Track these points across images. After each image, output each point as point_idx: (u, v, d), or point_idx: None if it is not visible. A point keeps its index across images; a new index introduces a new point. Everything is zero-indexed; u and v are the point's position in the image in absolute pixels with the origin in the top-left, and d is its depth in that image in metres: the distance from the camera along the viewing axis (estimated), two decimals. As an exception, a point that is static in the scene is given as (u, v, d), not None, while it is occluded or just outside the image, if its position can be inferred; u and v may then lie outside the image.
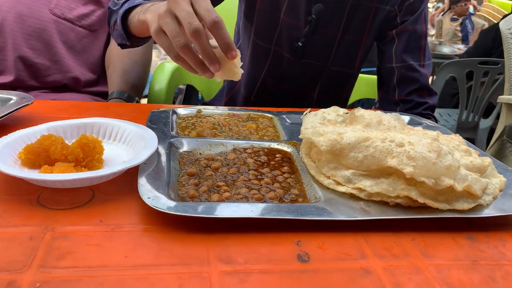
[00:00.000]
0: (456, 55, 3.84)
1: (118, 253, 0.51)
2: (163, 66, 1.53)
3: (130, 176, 0.66)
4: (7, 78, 1.34)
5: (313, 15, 1.17)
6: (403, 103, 1.21)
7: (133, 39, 0.96)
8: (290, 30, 1.20)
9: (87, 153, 0.68)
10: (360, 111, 0.71)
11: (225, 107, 0.99)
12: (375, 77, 1.59)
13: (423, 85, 1.20)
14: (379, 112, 0.72)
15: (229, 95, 1.43)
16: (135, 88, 1.32)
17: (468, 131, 3.12)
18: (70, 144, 0.71)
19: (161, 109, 0.92)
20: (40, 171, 0.65)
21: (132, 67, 1.34)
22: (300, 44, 1.21)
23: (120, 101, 1.25)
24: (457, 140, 0.76)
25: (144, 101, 1.72)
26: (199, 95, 1.81)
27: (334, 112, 0.82)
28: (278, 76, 1.28)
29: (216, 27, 0.67)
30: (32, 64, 1.34)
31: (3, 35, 1.32)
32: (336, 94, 1.34)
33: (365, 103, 2.05)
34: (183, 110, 0.94)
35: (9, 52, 1.33)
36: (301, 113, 0.99)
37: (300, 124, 0.91)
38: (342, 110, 0.83)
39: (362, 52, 1.25)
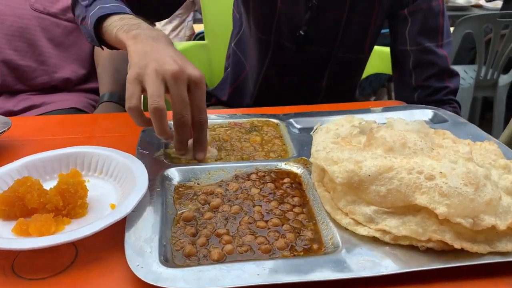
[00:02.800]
0: (472, 6, 3.61)
1: None
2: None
3: (117, 225, 0.57)
4: (-9, 83, 1.25)
5: (314, 0, 1.03)
6: (421, 89, 1.09)
7: (106, 44, 0.86)
8: (290, 18, 1.08)
9: (68, 200, 0.60)
10: (380, 132, 0.61)
11: (226, 114, 0.89)
12: (388, 50, 1.45)
13: (442, 68, 1.07)
14: (402, 131, 0.61)
15: (234, 86, 1.32)
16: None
17: (486, 90, 2.98)
18: (51, 184, 0.63)
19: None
20: (14, 227, 0.57)
21: (124, 65, 1.23)
22: (303, 33, 1.08)
23: (112, 104, 1.15)
24: (492, 151, 0.66)
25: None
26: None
27: (348, 123, 0.71)
28: (281, 68, 1.17)
29: (201, 128, 0.69)
30: (17, 67, 1.24)
31: (-18, 38, 1.22)
32: (346, 83, 1.22)
33: (373, 80, 1.91)
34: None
35: (-10, 56, 1.23)
36: (311, 114, 0.89)
37: (310, 130, 0.81)
38: (357, 120, 0.72)
39: (372, 35, 1.12)
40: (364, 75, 1.63)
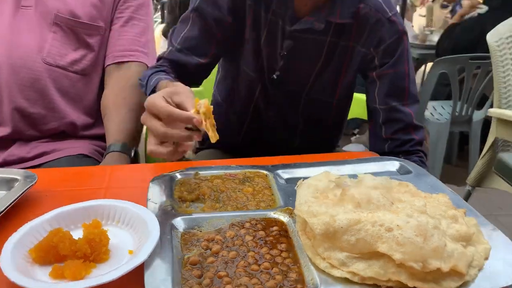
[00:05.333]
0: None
1: None
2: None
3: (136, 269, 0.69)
4: (5, 131, 1.37)
5: (284, 52, 1.20)
6: (391, 141, 1.24)
7: None
8: (269, 60, 1.24)
9: (94, 248, 0.72)
10: (350, 190, 0.75)
11: (221, 166, 1.02)
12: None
13: (408, 124, 1.22)
14: (368, 190, 0.75)
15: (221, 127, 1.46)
16: (130, 136, 1.35)
17: (462, 125, 3.15)
18: (76, 232, 0.76)
19: (160, 178, 0.95)
20: (51, 272, 0.69)
21: (129, 116, 1.36)
22: (275, 77, 1.25)
23: (117, 154, 1.27)
24: (444, 203, 0.80)
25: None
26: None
27: (325, 178, 0.85)
28: (266, 101, 1.33)
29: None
30: (28, 115, 1.36)
31: (-1, 89, 1.34)
32: (322, 121, 1.37)
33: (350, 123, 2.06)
34: (180, 175, 0.98)
35: (5, 105, 1.36)
36: (295, 165, 1.03)
37: (295, 180, 0.94)
38: (333, 176, 0.86)
39: (342, 86, 1.28)
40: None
